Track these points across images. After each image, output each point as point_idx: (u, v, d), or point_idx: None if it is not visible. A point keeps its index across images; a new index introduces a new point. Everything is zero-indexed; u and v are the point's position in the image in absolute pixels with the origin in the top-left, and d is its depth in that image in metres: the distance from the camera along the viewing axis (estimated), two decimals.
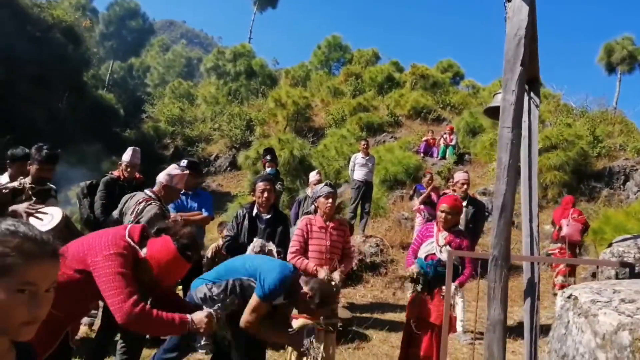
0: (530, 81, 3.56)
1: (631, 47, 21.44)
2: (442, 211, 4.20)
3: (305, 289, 3.06)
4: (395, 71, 22.68)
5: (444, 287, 3.92)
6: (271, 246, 4.00)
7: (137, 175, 5.43)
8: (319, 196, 4.16)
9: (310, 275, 3.85)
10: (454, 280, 3.94)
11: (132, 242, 2.28)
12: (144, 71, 32.43)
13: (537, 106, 3.49)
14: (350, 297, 7.37)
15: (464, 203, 6.03)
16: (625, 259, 3.09)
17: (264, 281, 2.96)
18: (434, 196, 8.08)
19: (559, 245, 7.50)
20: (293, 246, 4.06)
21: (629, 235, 3.52)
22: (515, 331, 5.27)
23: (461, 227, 5.93)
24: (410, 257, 4.34)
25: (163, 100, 22.18)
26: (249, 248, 3.99)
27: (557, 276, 7.43)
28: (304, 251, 4.04)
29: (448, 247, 4.03)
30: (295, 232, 4.13)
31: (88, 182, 5.32)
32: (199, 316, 2.32)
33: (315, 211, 4.23)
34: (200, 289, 3.15)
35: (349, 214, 9.65)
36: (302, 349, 3.18)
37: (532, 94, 3.54)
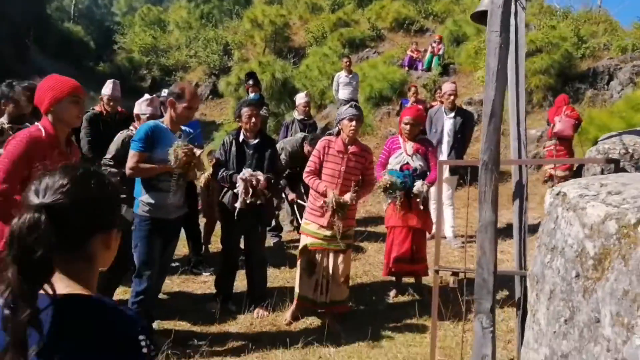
0: None
1: None
2: (405, 123, 4.43)
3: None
4: None
5: (415, 190, 4.29)
6: (260, 175, 4.03)
7: (120, 108, 5.32)
8: (343, 118, 3.98)
9: (320, 195, 3.93)
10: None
11: (42, 127, 2.45)
12: None
13: (523, 8, 3.40)
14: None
15: (452, 114, 6.07)
16: (610, 156, 3.18)
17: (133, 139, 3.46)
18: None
19: (553, 142, 7.67)
20: (308, 166, 4.05)
21: (614, 133, 3.60)
22: (504, 233, 5.52)
23: (449, 137, 6.05)
24: (378, 170, 4.52)
25: (134, 29, 21.12)
26: (238, 177, 4.03)
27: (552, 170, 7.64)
28: (318, 172, 4.00)
29: (417, 155, 4.35)
30: (314, 152, 4.08)
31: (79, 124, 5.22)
32: None
33: (338, 133, 4.08)
34: (139, 204, 3.50)
35: (335, 133, 9.65)
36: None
37: None
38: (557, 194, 1.94)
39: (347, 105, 4.13)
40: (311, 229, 3.96)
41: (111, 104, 5.14)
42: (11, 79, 4.13)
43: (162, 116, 4.28)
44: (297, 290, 4.03)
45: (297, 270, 4.06)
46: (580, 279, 1.68)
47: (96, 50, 21.72)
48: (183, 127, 3.76)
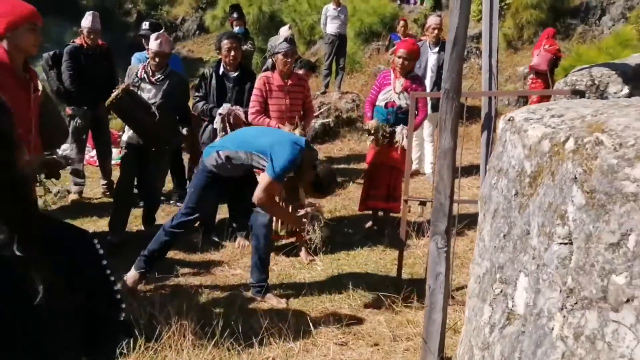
0: None
1: None
2: (399, 56, 4.36)
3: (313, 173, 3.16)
4: None
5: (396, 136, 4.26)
6: (239, 109, 4.07)
7: (100, 41, 5.27)
8: (277, 52, 3.99)
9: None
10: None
11: None
12: None
13: None
14: (328, 151, 7.68)
15: (436, 49, 6.04)
16: (577, 87, 3.25)
17: (275, 160, 3.00)
18: None
19: (531, 76, 7.69)
20: (253, 107, 4.02)
21: (586, 65, 3.64)
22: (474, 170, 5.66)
23: (433, 73, 6.05)
24: (368, 109, 4.54)
25: None
26: (217, 112, 4.07)
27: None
28: (264, 110, 4.01)
29: (405, 94, 4.25)
30: (254, 91, 4.04)
31: (51, 52, 5.17)
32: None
33: (273, 67, 4.11)
34: (211, 156, 3.25)
35: (323, 70, 9.56)
36: (304, 231, 3.30)
37: None
38: (508, 120, 2.03)
39: (281, 39, 4.11)
40: None
41: (91, 36, 5.10)
42: None
43: (169, 54, 4.24)
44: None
45: None
46: (518, 196, 1.80)
47: None
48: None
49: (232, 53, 4.21)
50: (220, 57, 4.38)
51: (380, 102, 4.43)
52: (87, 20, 5.07)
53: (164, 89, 4.11)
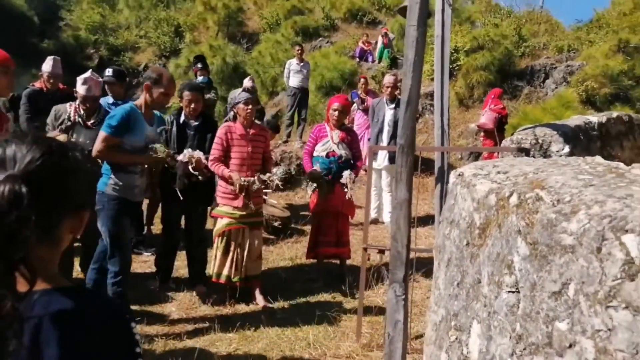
0: None
1: None
2: (334, 109, 4.62)
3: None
4: None
5: (342, 179, 4.46)
6: (200, 154, 4.12)
7: (61, 85, 5.24)
8: (238, 103, 4.11)
9: (225, 180, 4.04)
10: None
11: None
12: None
13: (449, 5, 3.65)
14: (290, 199, 7.74)
15: (393, 105, 6.34)
16: (522, 145, 3.49)
17: (107, 121, 3.37)
18: (369, 100, 8.32)
19: (481, 133, 8.15)
20: (212, 154, 4.07)
21: (530, 125, 3.93)
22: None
23: (389, 127, 6.32)
24: (307, 159, 4.73)
25: (81, 6, 20.29)
26: (178, 158, 4.10)
27: None
28: (224, 159, 4.07)
29: (343, 143, 4.56)
30: (215, 139, 4.10)
31: (9, 95, 5.09)
32: None
33: (235, 118, 4.21)
34: (108, 183, 3.45)
35: (286, 120, 9.79)
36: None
37: None
38: (458, 175, 2.18)
39: (240, 90, 4.31)
40: (226, 210, 4.07)
41: (51, 81, 5.07)
42: None
43: (98, 97, 4.30)
44: (214, 270, 4.13)
45: (214, 252, 4.16)
46: (469, 246, 1.91)
47: (40, 26, 20.71)
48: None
49: (193, 105, 4.28)
50: (181, 104, 4.44)
51: (321, 153, 4.62)
52: (47, 65, 5.06)
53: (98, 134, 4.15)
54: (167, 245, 4.49)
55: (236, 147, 4.06)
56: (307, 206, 7.28)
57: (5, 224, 0.80)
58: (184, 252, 4.61)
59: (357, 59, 14.16)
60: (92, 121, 4.12)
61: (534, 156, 3.48)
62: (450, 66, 5.18)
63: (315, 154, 4.63)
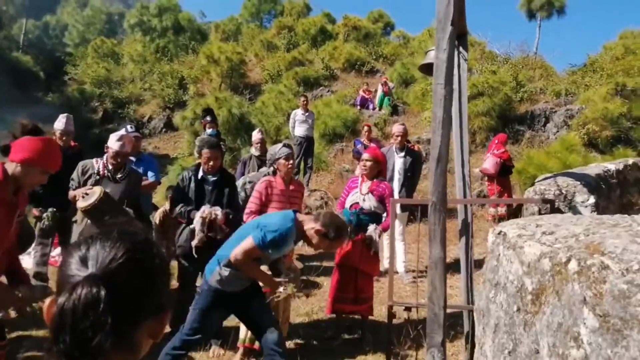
0: (458, 36, 3.77)
1: None
2: (363, 160, 4.52)
3: (316, 225, 2.97)
4: (327, 23, 22.54)
5: (367, 234, 4.19)
6: (218, 211, 4.07)
7: (73, 142, 5.26)
8: (278, 158, 4.07)
9: None
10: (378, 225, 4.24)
11: None
12: (61, 30, 30.03)
13: (465, 60, 3.72)
14: (300, 250, 7.63)
15: (402, 153, 6.36)
16: (546, 196, 3.45)
17: (264, 230, 2.91)
18: (372, 147, 8.37)
19: (485, 178, 8.17)
20: (249, 207, 4.02)
21: (549, 174, 3.91)
22: (452, 267, 5.74)
23: (400, 175, 6.31)
24: (338, 209, 4.60)
25: (86, 61, 20.79)
26: (197, 214, 4.05)
27: (490, 208, 8.08)
28: (260, 213, 3.97)
29: (371, 195, 4.33)
30: (254, 194, 4.05)
31: (7, 144, 5.10)
32: (11, 298, 2.41)
33: (274, 173, 4.16)
34: (214, 272, 3.07)
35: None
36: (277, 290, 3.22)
37: (460, 49, 3.77)
38: (499, 234, 2.13)
39: (280, 145, 4.22)
40: None
41: (64, 138, 5.09)
42: None
43: (129, 153, 4.30)
44: (241, 335, 3.93)
45: None
46: (520, 312, 1.84)
47: (46, 81, 21.17)
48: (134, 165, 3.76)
49: (212, 162, 4.27)
50: (199, 160, 4.43)
51: (347, 204, 4.51)
52: (60, 123, 5.09)
53: (125, 187, 4.17)
54: (183, 303, 4.36)
55: (275, 203, 4.00)
56: (319, 257, 7.19)
57: (80, 329, 0.76)
58: None
59: (358, 107, 14.40)
60: (119, 175, 4.19)
61: (558, 207, 3.45)
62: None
63: (345, 205, 4.49)
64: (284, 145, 4.19)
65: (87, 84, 18.70)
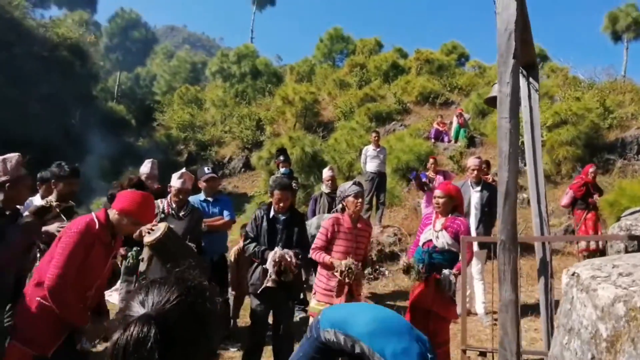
0: (527, 67, 3.68)
1: (635, 14, 21.12)
2: (435, 196, 4.33)
3: None
4: (399, 58, 22.72)
5: (442, 279, 3.90)
6: (290, 254, 4.14)
7: (157, 185, 5.64)
8: (347, 196, 4.08)
9: (327, 268, 3.94)
10: (452, 267, 3.93)
11: (97, 219, 2.69)
12: (150, 80, 32.80)
13: (536, 90, 3.60)
14: (372, 287, 7.54)
15: (478, 188, 6.16)
16: (633, 232, 3.19)
17: None
18: (438, 179, 8.13)
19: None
20: (316, 243, 4.08)
21: (637, 208, 3.61)
22: (537, 309, 5.38)
23: (477, 211, 6.08)
24: (412, 249, 4.43)
25: (172, 107, 22.46)
26: (269, 257, 4.15)
27: (581, 243, 7.52)
28: (326, 249, 4.01)
29: (444, 232, 4.08)
30: (321, 229, 4.08)
31: (109, 195, 5.55)
32: (97, 330, 2.63)
33: (343, 210, 4.18)
34: (331, 332, 2.57)
35: (365, 205, 9.80)
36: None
37: (530, 79, 3.65)
38: (572, 275, 2.00)
39: (350, 183, 4.18)
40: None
41: (149, 181, 5.46)
42: (59, 157, 4.50)
43: (190, 190, 4.56)
44: None
45: None
46: None
47: (137, 127, 23.06)
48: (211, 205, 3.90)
49: (282, 203, 4.40)
50: (271, 200, 4.58)
51: (421, 242, 4.34)
52: (146, 167, 5.51)
53: (188, 224, 4.43)
54: (254, 340, 4.45)
55: (342, 241, 4.00)
56: (392, 295, 7.05)
57: None
58: (269, 347, 4.53)
59: (433, 140, 14.21)
60: (182, 213, 4.48)
61: None
62: None
63: (419, 243, 4.33)
64: (354, 183, 4.18)
65: (173, 128, 20.14)
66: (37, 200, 4.34)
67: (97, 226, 2.65)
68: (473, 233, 5.94)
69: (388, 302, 6.61)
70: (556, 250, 8.29)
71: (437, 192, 4.33)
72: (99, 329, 2.62)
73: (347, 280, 3.76)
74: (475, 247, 5.97)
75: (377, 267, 8.02)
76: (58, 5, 31.90)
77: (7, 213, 3.13)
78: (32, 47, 16.97)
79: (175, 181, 4.47)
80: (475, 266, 6.05)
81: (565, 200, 7.50)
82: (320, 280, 4.01)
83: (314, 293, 4.10)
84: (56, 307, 2.47)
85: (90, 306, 2.76)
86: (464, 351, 3.13)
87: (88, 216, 2.73)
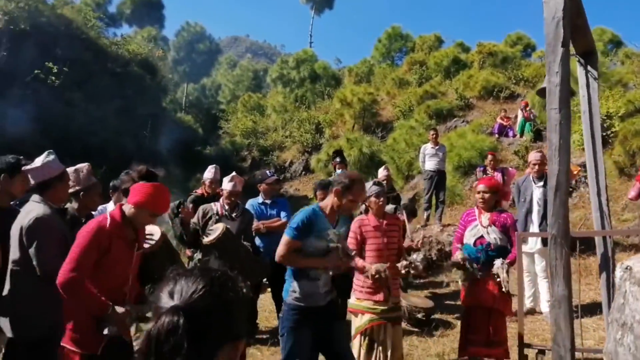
0: (585, 54, 3.53)
1: None
2: (479, 192, 4.24)
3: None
4: (460, 52, 22.14)
5: (493, 270, 3.92)
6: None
7: (219, 190, 5.91)
8: (369, 196, 4.08)
9: (360, 270, 3.94)
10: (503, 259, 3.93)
11: (111, 217, 2.69)
12: (216, 89, 34.06)
13: (595, 79, 3.44)
14: (433, 286, 7.44)
15: (540, 183, 5.92)
16: None
17: (291, 222, 3.32)
18: (497, 177, 7.84)
19: None
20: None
21: None
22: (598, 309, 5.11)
23: (539, 207, 5.85)
24: (455, 246, 4.36)
25: (236, 115, 23.21)
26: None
27: None
28: (359, 252, 4.00)
29: (493, 227, 4.05)
30: (350, 234, 4.06)
31: (177, 202, 5.87)
32: (119, 314, 2.59)
33: (367, 211, 4.20)
34: (289, 292, 3.36)
35: (423, 204, 9.67)
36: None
37: (588, 67, 3.50)
38: (626, 268, 1.92)
39: (371, 183, 4.17)
40: (366, 305, 3.90)
41: (212, 186, 5.73)
42: (130, 169, 4.82)
43: (240, 192, 4.72)
44: None
45: (357, 351, 3.90)
46: None
47: (204, 136, 24.03)
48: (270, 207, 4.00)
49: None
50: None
51: (469, 240, 4.20)
52: (209, 173, 5.78)
53: (240, 224, 4.59)
54: None
55: (371, 240, 4.01)
56: (453, 295, 6.91)
57: (162, 353, 0.91)
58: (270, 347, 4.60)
59: (497, 135, 13.74)
60: (234, 214, 4.67)
61: None
62: (604, 133, 4.53)
63: (464, 240, 4.26)
64: (374, 184, 4.20)
65: (237, 135, 20.82)
66: (110, 207, 4.69)
67: (109, 225, 2.65)
68: (535, 229, 5.72)
69: (449, 302, 6.51)
70: (632, 246, 7.78)
71: (481, 187, 4.27)
72: (122, 314, 2.61)
73: (379, 283, 3.80)
74: (539, 245, 5.76)
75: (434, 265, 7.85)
76: (129, 23, 33.87)
77: (83, 220, 3.39)
78: (106, 65, 18.15)
79: (227, 184, 4.66)
80: (539, 264, 5.83)
81: (633, 192, 7.01)
82: (358, 278, 4.04)
83: (354, 290, 4.14)
84: (70, 299, 2.52)
85: (131, 296, 2.80)
86: (520, 350, 3.05)
87: (100, 216, 2.74)
